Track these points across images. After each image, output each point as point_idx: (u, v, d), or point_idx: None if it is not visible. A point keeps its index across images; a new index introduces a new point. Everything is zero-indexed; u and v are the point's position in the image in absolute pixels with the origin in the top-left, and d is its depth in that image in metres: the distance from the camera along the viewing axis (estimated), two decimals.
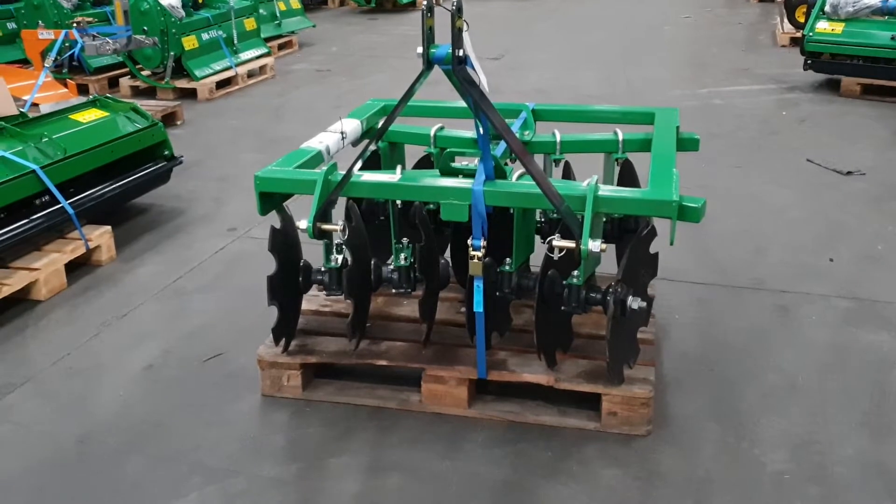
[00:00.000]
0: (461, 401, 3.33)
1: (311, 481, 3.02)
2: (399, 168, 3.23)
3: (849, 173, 6.02)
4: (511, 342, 3.47)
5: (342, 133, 3.53)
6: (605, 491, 2.95)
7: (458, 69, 2.63)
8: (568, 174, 3.90)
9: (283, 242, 3.27)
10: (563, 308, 3.15)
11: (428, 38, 2.67)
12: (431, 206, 3.46)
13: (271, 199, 3.21)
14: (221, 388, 3.60)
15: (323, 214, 3.03)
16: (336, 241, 3.27)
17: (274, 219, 3.33)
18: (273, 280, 3.23)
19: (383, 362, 3.40)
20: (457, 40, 2.61)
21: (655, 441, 3.19)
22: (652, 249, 3.27)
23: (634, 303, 3.06)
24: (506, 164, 3.34)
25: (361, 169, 3.62)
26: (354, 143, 3.80)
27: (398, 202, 3.33)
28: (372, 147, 3.04)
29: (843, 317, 4.09)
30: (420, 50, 2.70)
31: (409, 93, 2.83)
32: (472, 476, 3.03)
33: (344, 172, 3.06)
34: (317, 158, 3.34)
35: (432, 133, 3.77)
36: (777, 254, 4.78)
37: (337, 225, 3.06)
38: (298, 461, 3.13)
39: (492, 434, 3.25)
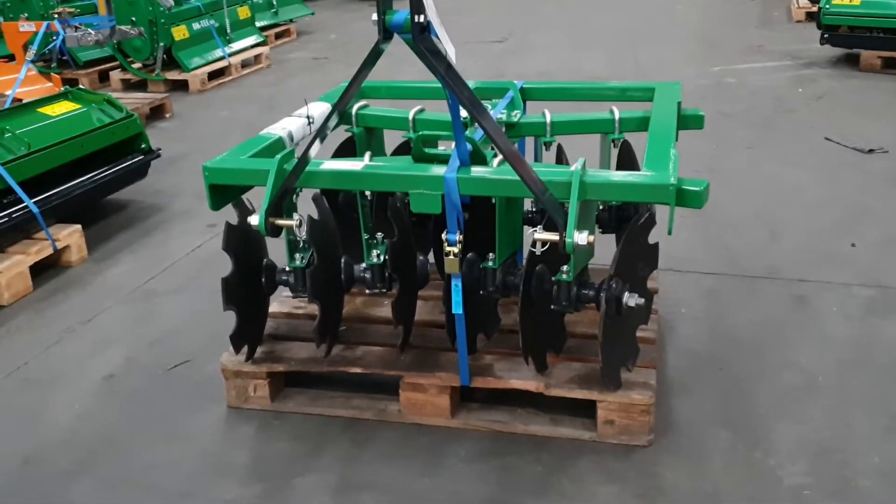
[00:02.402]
0: (443, 410, 3.02)
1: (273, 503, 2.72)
2: (368, 155, 2.92)
3: (870, 151, 5.65)
4: (499, 344, 3.16)
5: (309, 118, 3.21)
6: None
7: (419, 38, 2.31)
8: (561, 158, 3.57)
9: (242, 240, 2.96)
10: (552, 307, 2.83)
11: (383, 3, 2.34)
12: None
13: (225, 193, 2.90)
14: (185, 398, 3.31)
15: (277, 208, 2.71)
16: (303, 236, 2.95)
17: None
18: (229, 282, 2.92)
19: (357, 370, 3.09)
20: (416, 4, 2.28)
21: (658, 452, 2.87)
22: (652, 239, 2.95)
23: (631, 299, 2.73)
24: (492, 148, 3.01)
25: (336, 157, 3.32)
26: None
27: (367, 193, 3.01)
28: (329, 130, 2.71)
29: (867, 307, 3.74)
30: (375, 17, 2.37)
31: (364, 68, 2.51)
32: (453, 495, 2.72)
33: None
34: (277, 146, 3.02)
35: (411, 116, 3.45)
36: (793, 239, 4.43)
37: (293, 220, 2.74)
38: (262, 481, 2.83)
39: (476, 447, 2.94)
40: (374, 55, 2.48)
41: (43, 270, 4.41)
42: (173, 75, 8.44)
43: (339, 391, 3.22)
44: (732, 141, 6.00)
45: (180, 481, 2.84)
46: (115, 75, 8.61)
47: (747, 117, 6.60)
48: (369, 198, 3.02)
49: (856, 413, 3.03)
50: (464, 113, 2.81)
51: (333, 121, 2.70)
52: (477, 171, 2.66)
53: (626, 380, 2.91)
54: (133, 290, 4.24)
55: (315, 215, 2.98)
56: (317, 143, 2.65)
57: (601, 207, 3.38)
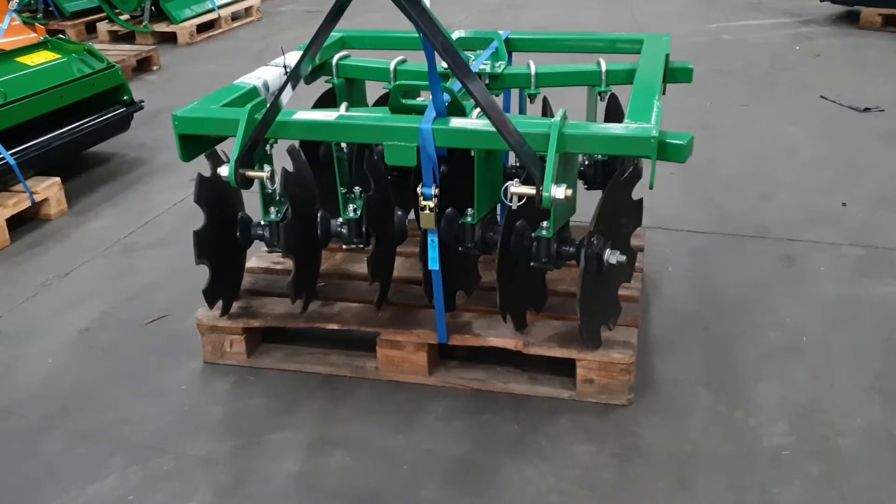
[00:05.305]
0: (420, 367, 2.97)
1: (245, 460, 2.68)
2: (344, 105, 2.83)
3: (866, 110, 5.56)
4: (478, 302, 3.10)
5: (285, 67, 3.12)
6: (577, 470, 2.59)
7: None
8: (546, 111, 3.48)
9: (215, 193, 2.88)
10: (531, 264, 2.76)
11: None
12: None
13: (196, 143, 2.81)
14: (161, 353, 3.26)
15: (248, 158, 2.63)
16: (275, 189, 2.87)
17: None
18: (201, 235, 2.85)
19: (334, 326, 3.04)
20: None
21: (637, 411, 2.83)
22: (637, 195, 2.87)
23: (613, 257, 2.67)
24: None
25: (316, 109, 3.23)
26: (307, 80, 3.40)
27: (343, 145, 2.92)
28: (301, 76, 2.63)
29: (856, 267, 3.69)
30: None
31: (334, 14, 2.41)
32: (427, 453, 2.68)
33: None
34: (250, 95, 2.93)
35: (392, 66, 3.36)
36: (784, 198, 4.36)
37: (263, 172, 2.67)
38: (235, 437, 2.79)
39: (453, 404, 2.90)
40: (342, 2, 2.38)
41: (21, 223, 4.34)
42: (161, 27, 8.31)
43: (317, 347, 3.17)
44: (727, 98, 5.91)
45: (152, 436, 2.80)
46: (103, 27, 8.48)
47: (743, 75, 6.49)
48: (345, 150, 2.94)
49: (840, 373, 2.99)
50: (445, 63, 2.72)
51: (307, 66, 2.61)
52: (453, 122, 2.58)
53: (607, 338, 2.86)
54: (112, 244, 4.17)
55: (291, 168, 2.90)
56: (288, 89, 2.56)
57: (586, 163, 3.31)
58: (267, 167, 2.69)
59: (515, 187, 2.47)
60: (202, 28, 8.51)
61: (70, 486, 2.60)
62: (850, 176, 4.59)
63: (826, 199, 4.31)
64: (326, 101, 3.46)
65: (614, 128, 2.52)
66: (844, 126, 5.34)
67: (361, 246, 2.99)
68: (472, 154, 2.77)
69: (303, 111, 2.73)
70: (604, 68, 3.24)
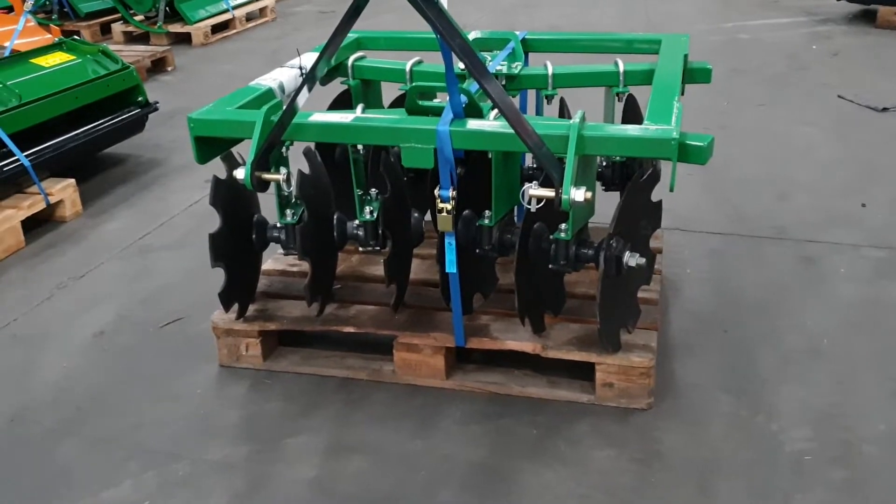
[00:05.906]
0: (438, 371, 2.95)
1: (261, 465, 2.66)
2: (360, 107, 2.81)
3: (884, 110, 5.50)
4: (496, 304, 3.07)
5: (301, 68, 3.10)
6: (597, 475, 2.55)
7: None
8: (563, 112, 3.45)
9: (231, 195, 2.87)
10: (550, 266, 2.73)
11: None
12: None
13: (211, 145, 2.80)
14: (176, 357, 3.24)
15: (264, 161, 2.61)
16: (291, 191, 2.85)
17: None
18: (216, 238, 2.83)
19: (350, 329, 3.02)
20: None
21: (657, 415, 2.79)
22: (655, 196, 2.84)
23: (632, 259, 2.63)
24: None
25: (331, 110, 3.22)
26: (322, 82, 3.38)
27: (360, 147, 2.90)
28: (317, 78, 2.61)
29: (876, 269, 3.64)
30: None
31: (351, 15, 2.39)
32: (445, 458, 2.65)
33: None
34: (266, 97, 2.92)
35: (408, 68, 3.33)
36: (803, 199, 4.31)
37: (279, 174, 2.65)
38: (251, 442, 2.77)
39: (471, 408, 2.87)
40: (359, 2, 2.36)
41: (36, 225, 4.34)
42: (176, 28, 8.32)
43: (334, 350, 3.15)
44: (744, 98, 5.86)
45: (167, 441, 2.79)
46: (117, 27, 8.49)
47: (760, 74, 6.44)
48: (361, 152, 2.91)
49: (862, 377, 2.94)
50: (462, 64, 2.70)
51: (323, 68, 2.59)
52: (470, 124, 2.55)
53: (626, 342, 2.83)
54: (128, 246, 4.17)
55: (307, 170, 2.89)
56: (304, 91, 2.54)
57: (604, 164, 3.27)
58: (283, 169, 2.68)
59: (534, 190, 2.44)
60: (217, 28, 8.52)
61: (84, 491, 2.58)
62: (869, 176, 4.54)
63: (845, 200, 4.26)
64: (342, 102, 3.44)
65: (634, 129, 2.49)
66: (862, 126, 5.29)
67: (378, 248, 2.98)
68: (490, 156, 2.74)
69: (319, 113, 2.71)
70: (622, 69, 3.21)
